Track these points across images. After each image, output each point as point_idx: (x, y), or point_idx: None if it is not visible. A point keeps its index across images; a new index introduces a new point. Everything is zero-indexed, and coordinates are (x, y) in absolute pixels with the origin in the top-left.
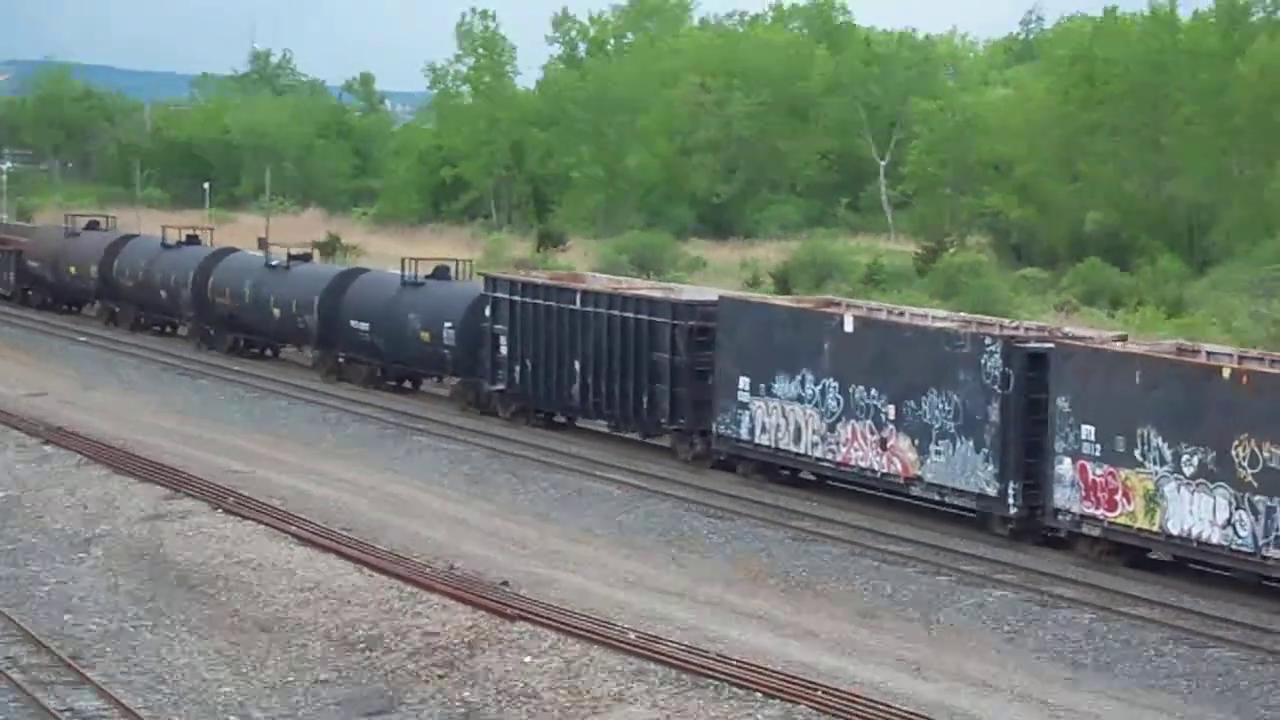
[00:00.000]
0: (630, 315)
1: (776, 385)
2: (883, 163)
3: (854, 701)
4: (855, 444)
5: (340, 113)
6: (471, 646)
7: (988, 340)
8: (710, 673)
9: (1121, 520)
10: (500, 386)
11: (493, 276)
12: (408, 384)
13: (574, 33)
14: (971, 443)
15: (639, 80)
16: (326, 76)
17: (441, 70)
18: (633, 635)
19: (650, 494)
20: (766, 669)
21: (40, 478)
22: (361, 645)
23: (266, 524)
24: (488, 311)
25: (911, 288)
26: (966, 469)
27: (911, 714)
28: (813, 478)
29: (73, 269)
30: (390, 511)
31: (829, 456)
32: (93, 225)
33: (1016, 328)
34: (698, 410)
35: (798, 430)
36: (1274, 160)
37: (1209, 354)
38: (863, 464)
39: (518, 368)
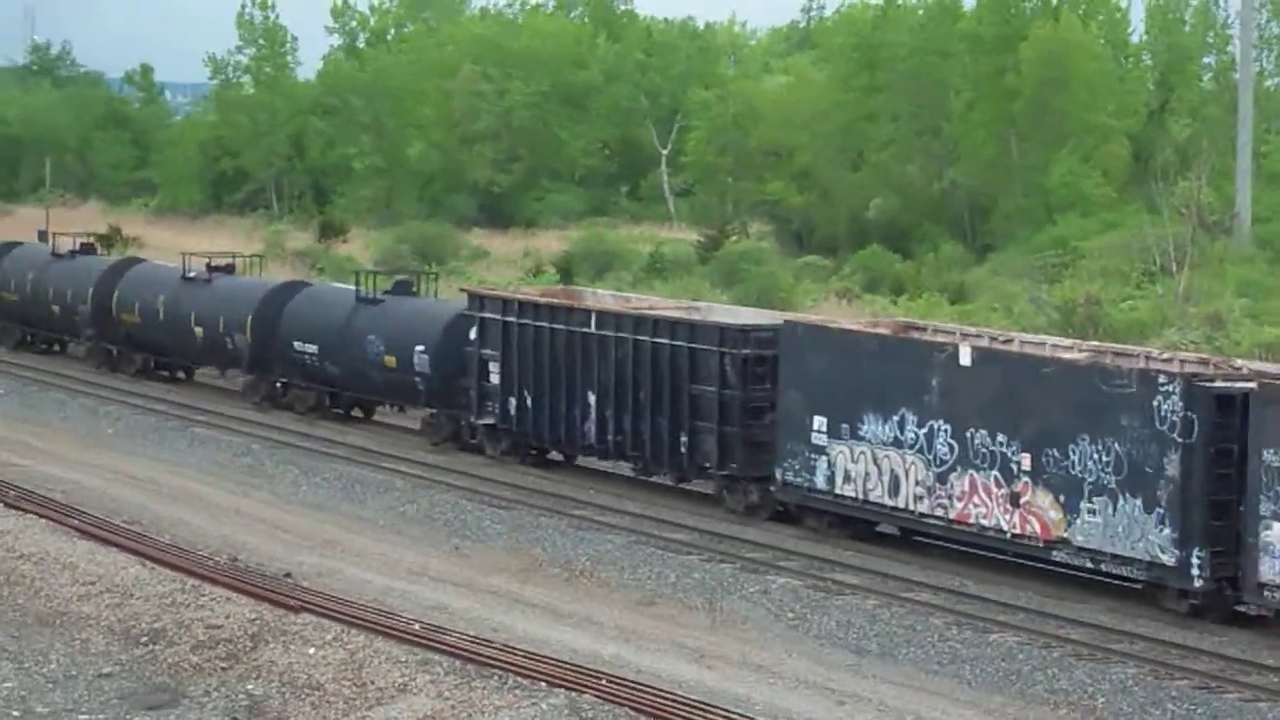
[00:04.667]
0: (664, 341)
1: (865, 427)
2: (664, 151)
3: (638, 689)
4: (975, 499)
5: (119, 104)
6: (255, 639)
7: (1162, 379)
8: (495, 662)
9: None
10: (489, 421)
11: (480, 294)
12: (357, 412)
13: (354, 23)
14: (1139, 501)
15: (418, 70)
16: (106, 67)
17: (222, 61)
18: (417, 626)
19: (432, 484)
20: (550, 658)
21: None
22: (144, 639)
23: (48, 517)
24: (473, 334)
25: (693, 276)
26: (1132, 532)
27: (695, 701)
28: (895, 532)
29: None
30: (173, 504)
31: (938, 512)
32: None
33: (1176, 361)
34: (753, 454)
35: (895, 480)
36: (1053, 147)
37: None
38: (985, 522)
39: (512, 399)
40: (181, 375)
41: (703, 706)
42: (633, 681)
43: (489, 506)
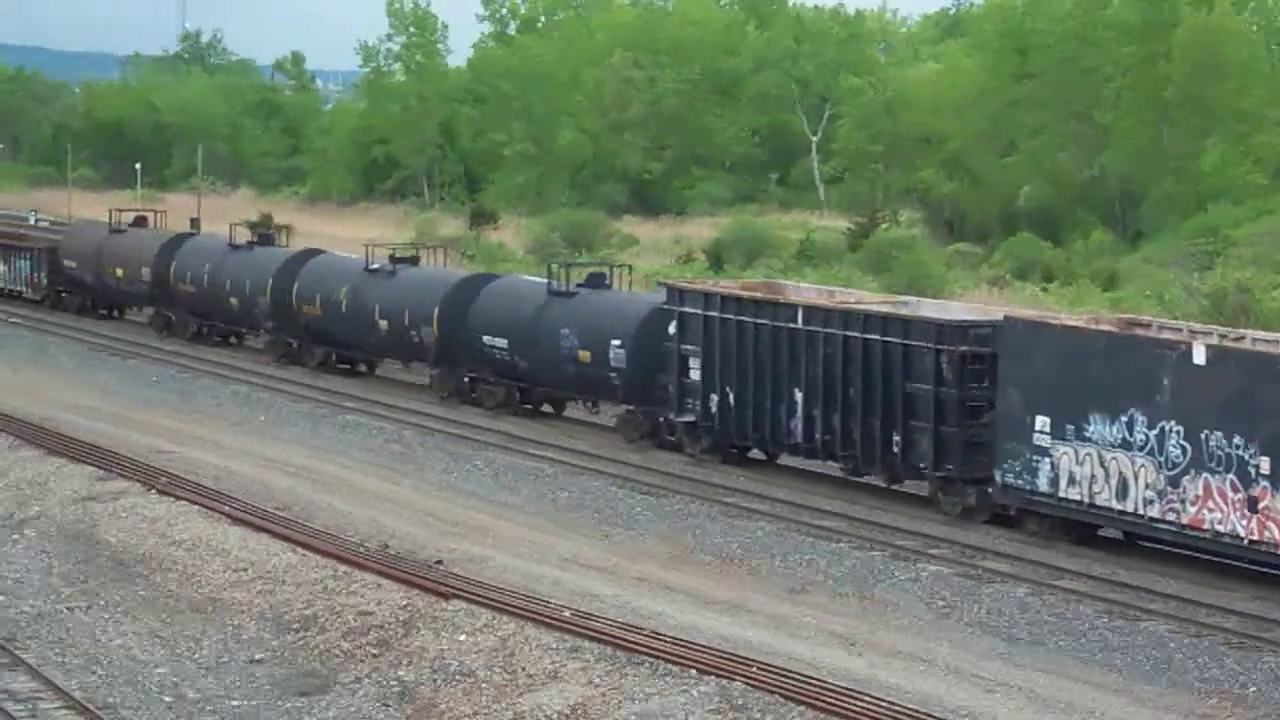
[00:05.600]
0: (876, 338)
1: (1091, 428)
2: (814, 138)
3: (788, 676)
4: (1209, 503)
5: (270, 92)
6: (406, 625)
7: None
8: (645, 649)
9: None
10: (690, 418)
11: (679, 287)
12: (547, 408)
13: (505, 10)
14: None
15: (569, 57)
16: (257, 55)
17: (373, 49)
18: (567, 613)
19: (582, 471)
20: (700, 645)
21: None
22: (296, 625)
23: (200, 504)
24: (672, 329)
25: (843, 263)
26: None
27: (845, 688)
28: (1119, 536)
29: (118, 271)
30: (323, 491)
31: (1169, 517)
32: (139, 221)
33: None
34: (970, 455)
35: (1122, 483)
36: (1204, 134)
37: None
38: (1220, 528)
39: (714, 397)
40: (363, 368)
41: (852, 694)
42: (783, 669)
43: (639, 494)
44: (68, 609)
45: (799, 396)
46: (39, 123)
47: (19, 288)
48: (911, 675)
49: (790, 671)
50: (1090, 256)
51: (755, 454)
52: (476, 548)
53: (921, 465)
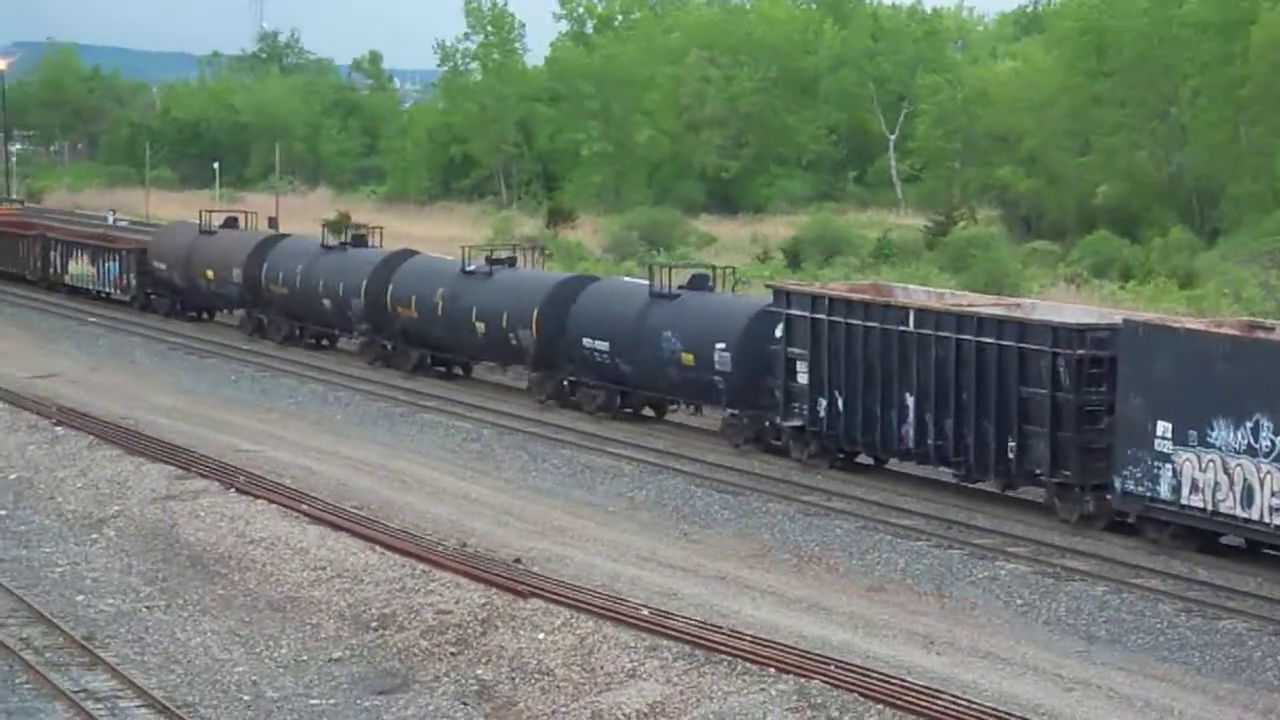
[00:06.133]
0: (990, 340)
1: (1215, 433)
2: (891, 137)
3: (866, 675)
4: None
5: (348, 91)
6: (484, 624)
7: None
8: (723, 648)
9: None
10: (797, 422)
11: (786, 289)
12: (649, 411)
13: (582, 9)
14: None
15: (646, 56)
16: (335, 55)
17: (450, 48)
18: (645, 611)
19: (660, 470)
20: (779, 644)
21: (52, 459)
22: (374, 623)
23: (278, 503)
24: (779, 331)
25: (920, 261)
26: None
27: (924, 687)
28: (1242, 544)
29: (209, 273)
30: (402, 489)
31: None
32: (230, 222)
33: None
34: (1088, 460)
35: (1247, 490)
36: None
37: None
38: None
39: (822, 401)
40: (459, 371)
41: (931, 692)
42: (862, 667)
43: (718, 492)
44: (147, 608)
45: (910, 401)
46: (117, 123)
47: (108, 289)
48: (990, 674)
49: (869, 670)
50: (1167, 254)
51: (862, 459)
52: (555, 546)
53: (1037, 471)
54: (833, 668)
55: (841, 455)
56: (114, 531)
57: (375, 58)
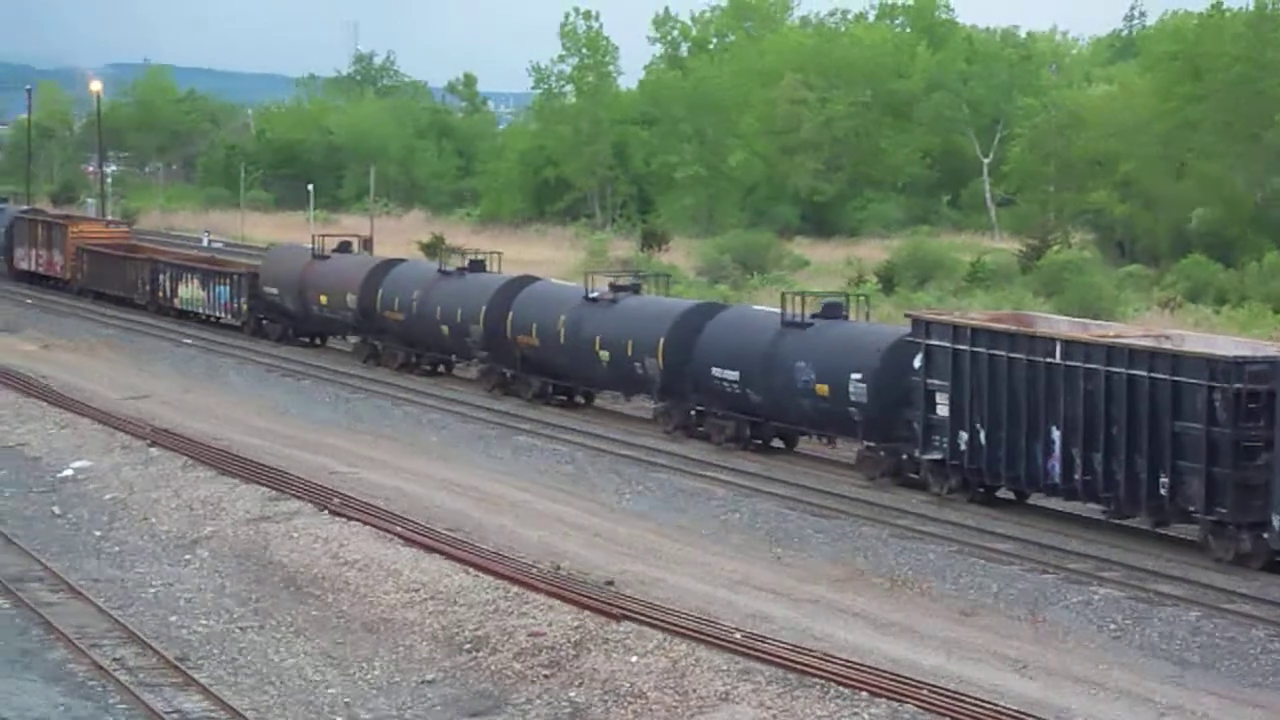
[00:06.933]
0: (1142, 373)
1: None
2: (985, 160)
3: (959, 700)
4: None
5: (442, 114)
6: (577, 646)
7: None
8: (816, 672)
9: None
10: (936, 456)
11: (925, 319)
12: (778, 443)
13: (675, 32)
14: None
15: (740, 79)
16: (429, 77)
17: (545, 71)
18: (738, 634)
19: (753, 493)
20: (872, 668)
21: (147, 480)
22: (467, 646)
23: (372, 525)
24: (918, 362)
25: (1014, 285)
26: None
27: (1018, 713)
28: None
29: (322, 298)
30: (495, 512)
31: None
32: (343, 247)
33: None
34: (1244, 498)
35: None
36: None
37: None
38: None
39: (963, 433)
40: (580, 400)
41: (1025, 717)
42: (954, 691)
43: (810, 515)
44: (240, 629)
45: (1056, 435)
46: (212, 144)
47: (217, 313)
48: (1083, 698)
49: (962, 694)
50: (1264, 278)
51: (1003, 493)
52: (647, 569)
53: (1191, 509)
54: (926, 692)
55: (982, 490)
56: (208, 552)
57: (470, 80)
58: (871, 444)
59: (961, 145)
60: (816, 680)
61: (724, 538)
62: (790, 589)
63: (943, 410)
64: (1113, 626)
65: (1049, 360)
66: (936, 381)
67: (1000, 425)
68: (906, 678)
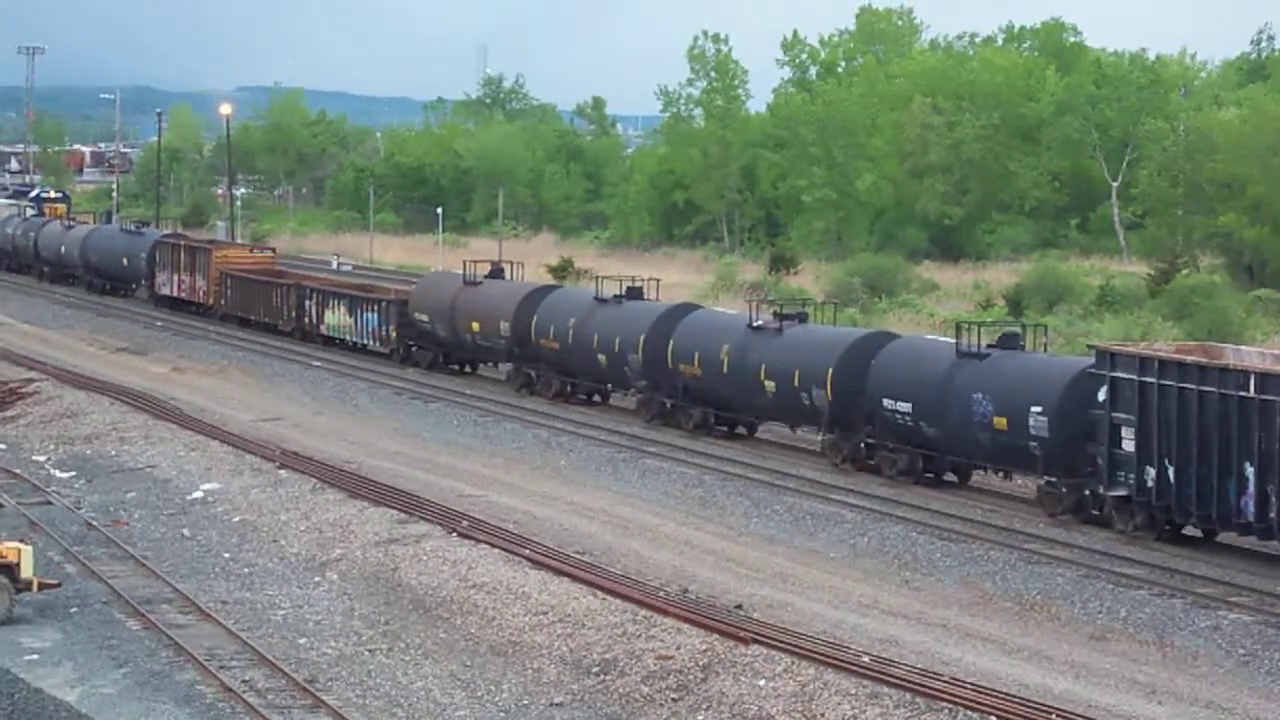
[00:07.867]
0: None
1: None
2: (1114, 183)
3: None
4: None
5: (571, 137)
6: (705, 670)
7: None
8: (945, 696)
9: None
10: (1122, 492)
11: (1110, 350)
12: (951, 477)
13: (804, 55)
14: None
15: (869, 102)
16: (558, 100)
17: (673, 94)
18: (866, 658)
19: (882, 517)
20: (1001, 692)
21: (276, 502)
22: (595, 669)
23: (501, 548)
24: (1102, 395)
25: (1143, 310)
26: None
27: None
28: None
29: (475, 325)
30: (624, 535)
31: None
32: (496, 272)
33: None
34: None
35: None
36: None
37: None
38: None
39: (1150, 469)
40: (742, 431)
41: None
42: (1084, 716)
43: (939, 540)
44: (369, 651)
45: (1250, 471)
46: (341, 167)
47: (365, 340)
48: None
49: (1091, 719)
50: None
51: (1189, 530)
52: (776, 593)
53: None
54: (1055, 716)
55: (1169, 527)
56: (336, 575)
57: (598, 103)
58: (1052, 479)
59: (1090, 168)
60: (945, 705)
61: (853, 562)
62: (919, 613)
63: (1129, 445)
64: (1241, 651)
65: (1242, 394)
66: (1122, 415)
67: (1190, 461)
68: (1036, 702)
